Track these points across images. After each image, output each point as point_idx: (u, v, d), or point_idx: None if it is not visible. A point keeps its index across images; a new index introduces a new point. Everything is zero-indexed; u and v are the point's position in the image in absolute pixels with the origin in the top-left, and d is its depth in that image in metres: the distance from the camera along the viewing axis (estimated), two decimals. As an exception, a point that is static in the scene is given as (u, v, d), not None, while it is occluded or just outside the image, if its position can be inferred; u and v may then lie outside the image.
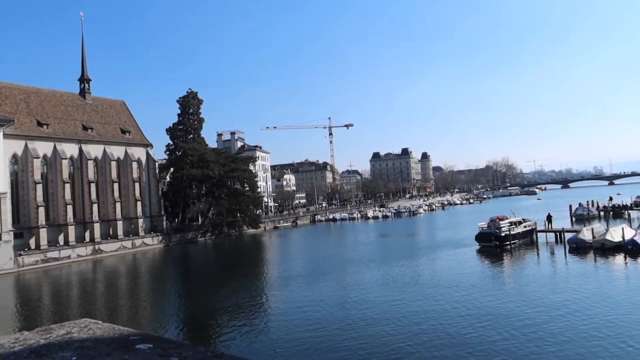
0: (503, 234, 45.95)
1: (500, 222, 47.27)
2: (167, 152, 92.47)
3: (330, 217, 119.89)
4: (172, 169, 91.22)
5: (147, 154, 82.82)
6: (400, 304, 27.61)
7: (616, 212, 69.53)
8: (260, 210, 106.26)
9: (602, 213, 69.36)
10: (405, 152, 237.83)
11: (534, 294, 28.07)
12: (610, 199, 77.27)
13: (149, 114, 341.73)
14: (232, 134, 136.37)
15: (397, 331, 22.01)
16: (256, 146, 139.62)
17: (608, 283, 30.30)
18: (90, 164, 71.95)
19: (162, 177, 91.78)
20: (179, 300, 36.31)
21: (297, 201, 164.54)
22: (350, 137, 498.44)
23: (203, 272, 53.03)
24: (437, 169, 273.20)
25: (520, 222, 48.91)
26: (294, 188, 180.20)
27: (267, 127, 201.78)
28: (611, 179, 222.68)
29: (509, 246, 45.83)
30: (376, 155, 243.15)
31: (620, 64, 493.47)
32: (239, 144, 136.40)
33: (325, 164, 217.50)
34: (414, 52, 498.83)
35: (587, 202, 73.89)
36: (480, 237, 47.59)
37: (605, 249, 38.54)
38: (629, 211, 67.30)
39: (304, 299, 31.01)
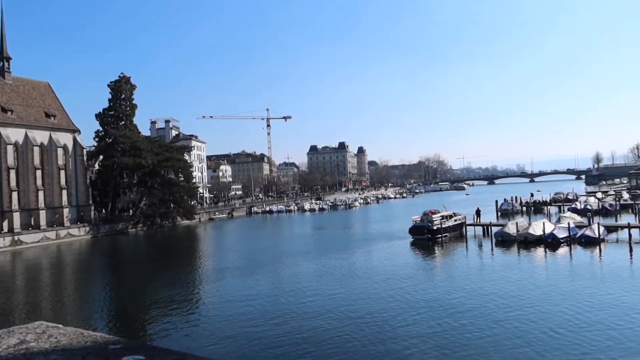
0: (435, 227, 47.66)
1: (433, 216, 48.99)
2: (97, 139, 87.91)
3: (267, 209, 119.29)
4: (101, 157, 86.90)
5: (75, 140, 78.39)
6: (336, 295, 27.91)
7: (537, 208, 74.13)
8: (195, 202, 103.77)
9: (524, 208, 73.66)
10: (342, 146, 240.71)
11: (464, 283, 29.41)
12: (532, 195, 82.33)
13: (77, 99, 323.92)
14: (167, 122, 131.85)
15: (334, 322, 22.19)
16: (192, 135, 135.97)
17: (530, 273, 32.34)
18: (10, 148, 67.05)
19: (91, 165, 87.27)
20: (108, 293, 34.69)
21: (233, 193, 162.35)
22: (289, 130, 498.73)
23: (134, 264, 51.08)
24: (372, 163, 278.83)
25: (451, 216, 50.95)
26: (230, 179, 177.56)
27: (204, 117, 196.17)
28: (532, 176, 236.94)
29: (440, 239, 47.65)
30: (313, 149, 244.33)
31: (541, 70, 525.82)
32: (174, 132, 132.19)
33: (262, 156, 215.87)
34: (352, 49, 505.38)
35: (511, 198, 78.28)
36: (414, 230, 49.10)
37: (528, 242, 40.98)
38: (548, 207, 72.10)
39: (239, 292, 30.62)
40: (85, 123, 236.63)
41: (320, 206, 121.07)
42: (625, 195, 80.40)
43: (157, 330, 23.63)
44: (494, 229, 45.73)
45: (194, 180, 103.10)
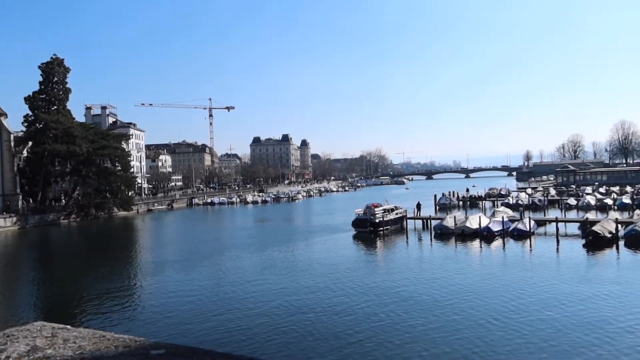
0: (377, 220, 48.58)
1: (375, 209, 49.90)
2: (26, 124, 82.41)
3: (209, 200, 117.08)
4: (30, 143, 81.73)
5: (0, 124, 73.32)
6: (280, 288, 27.80)
7: (472, 202, 77.33)
8: (133, 192, 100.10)
9: (461, 202, 76.66)
10: (286, 138, 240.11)
11: (405, 274, 30.28)
12: (467, 190, 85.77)
13: (5, 81, 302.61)
14: (103, 108, 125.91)
15: (278, 316, 22.03)
16: (130, 123, 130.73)
17: (467, 264, 33.83)
18: None
19: (19, 152, 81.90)
20: (38, 287, 32.79)
21: (173, 183, 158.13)
22: (231, 120, 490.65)
23: (67, 257, 48.60)
24: (315, 156, 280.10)
25: (392, 210, 52.11)
26: (170, 170, 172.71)
27: (143, 104, 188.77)
28: (467, 172, 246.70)
29: (382, 232, 48.66)
30: (257, 140, 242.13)
31: (477, 72, 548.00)
32: (111, 119, 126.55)
33: (204, 146, 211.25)
34: (298, 42, 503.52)
35: (449, 192, 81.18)
36: (357, 222, 49.82)
37: (465, 235, 42.67)
38: (483, 201, 75.45)
39: (180, 286, 29.74)
40: (13, 107, 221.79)
41: (263, 199, 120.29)
42: (552, 191, 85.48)
43: (88, 322, 22.63)
44: (434, 222, 47.22)
45: (132, 170, 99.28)
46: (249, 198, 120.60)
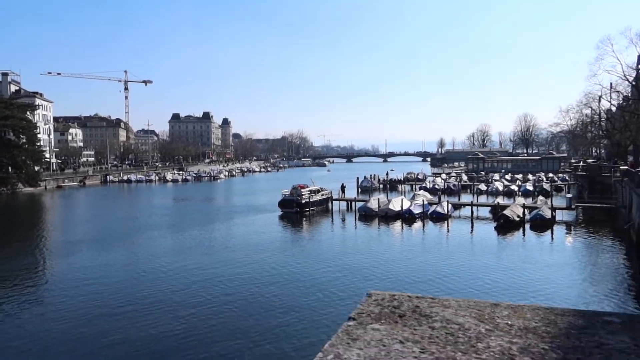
0: (304, 201, 49.27)
1: (302, 190, 50.49)
2: None
3: (125, 178, 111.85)
4: None
5: None
6: (204, 269, 27.30)
7: (392, 186, 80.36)
8: (40, 167, 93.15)
9: (381, 186, 79.50)
10: (207, 116, 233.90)
11: (332, 254, 31.20)
12: (387, 174, 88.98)
13: None
14: (4, 75, 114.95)
15: (201, 298, 21.47)
16: (36, 93, 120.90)
17: (390, 244, 35.63)
18: None
19: None
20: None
21: (84, 159, 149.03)
22: (149, 95, 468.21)
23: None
24: (236, 136, 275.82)
25: (318, 191, 53.01)
26: (82, 144, 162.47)
27: (50, 73, 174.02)
28: (385, 156, 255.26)
29: (308, 212, 49.46)
30: (176, 117, 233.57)
31: (393, 58, 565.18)
32: (14, 87, 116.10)
33: (118, 121, 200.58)
34: (217, 14, 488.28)
35: (370, 175, 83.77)
36: (283, 203, 50.18)
37: (388, 217, 44.52)
38: (403, 185, 78.88)
39: (93, 268, 28.07)
40: None
41: (184, 177, 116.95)
42: (464, 177, 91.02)
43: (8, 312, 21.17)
44: (358, 204, 48.69)
45: (40, 143, 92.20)
46: (169, 176, 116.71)
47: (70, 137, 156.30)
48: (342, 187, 58.62)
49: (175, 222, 48.57)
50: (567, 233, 38.78)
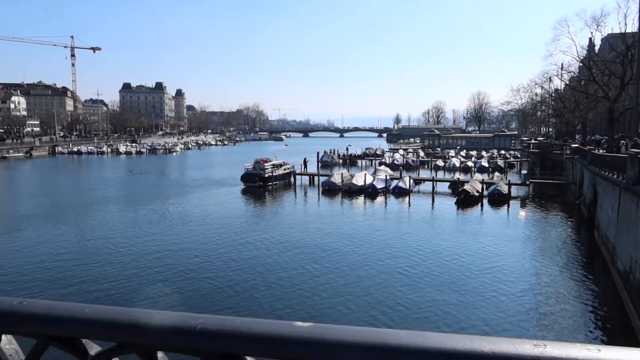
0: (267, 175, 49.03)
1: (265, 164, 50.16)
2: None
3: (75, 149, 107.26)
4: None
5: None
6: (164, 243, 26.89)
7: (352, 161, 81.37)
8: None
9: (341, 161, 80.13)
10: (160, 86, 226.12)
11: (295, 228, 31.41)
12: (347, 149, 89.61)
13: None
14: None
15: (156, 276, 20.85)
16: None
17: (353, 218, 36.25)
18: None
19: None
20: None
21: (29, 129, 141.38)
22: (97, 63, 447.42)
23: None
24: (190, 108, 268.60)
25: (280, 165, 52.83)
26: (25, 113, 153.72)
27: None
28: (342, 132, 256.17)
29: (270, 186, 49.32)
30: (127, 86, 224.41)
31: (348, 32, 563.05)
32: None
33: (65, 89, 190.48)
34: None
35: (330, 150, 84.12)
36: (246, 177, 49.76)
37: (351, 192, 45.04)
38: (362, 160, 79.83)
39: (45, 243, 26.91)
40: None
41: (138, 149, 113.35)
42: (421, 153, 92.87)
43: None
44: (321, 179, 48.90)
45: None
46: (122, 148, 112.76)
47: (12, 106, 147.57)
48: (305, 162, 58.64)
49: (133, 195, 47.19)
50: (522, 207, 40.59)
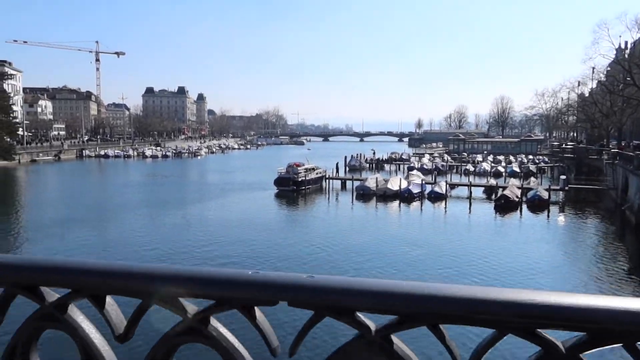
0: (300, 179, 49.07)
1: (298, 168, 50.24)
2: None
3: (102, 153, 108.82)
4: None
5: None
6: (204, 246, 26.90)
7: (378, 165, 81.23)
8: (13, 140, 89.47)
9: (368, 165, 79.99)
10: (182, 91, 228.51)
11: (333, 232, 31.10)
12: (374, 153, 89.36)
13: None
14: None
15: None
16: (4, 61, 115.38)
17: (386, 222, 36.24)
18: None
19: None
20: None
21: (55, 132, 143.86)
22: (121, 68, 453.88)
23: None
24: (211, 112, 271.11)
25: (313, 169, 52.88)
26: (51, 117, 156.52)
27: (16, 41, 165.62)
28: (362, 136, 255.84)
29: (304, 190, 49.35)
30: (150, 91, 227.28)
31: (363, 43, 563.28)
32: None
33: (89, 94, 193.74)
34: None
35: (357, 155, 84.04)
36: (279, 181, 49.85)
37: (386, 196, 44.81)
38: (390, 165, 79.68)
39: (86, 246, 26.91)
40: None
41: (164, 153, 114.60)
42: (446, 158, 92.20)
43: None
44: (355, 183, 48.77)
45: (14, 115, 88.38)
46: (148, 152, 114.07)
47: (39, 110, 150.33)
48: (337, 166, 58.67)
49: (168, 200, 47.19)
50: (562, 213, 39.93)
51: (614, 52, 50.30)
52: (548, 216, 38.22)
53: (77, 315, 1.15)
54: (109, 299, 1.13)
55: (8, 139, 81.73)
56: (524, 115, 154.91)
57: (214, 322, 1.08)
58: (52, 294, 1.14)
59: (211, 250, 25.69)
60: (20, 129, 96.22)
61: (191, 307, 1.08)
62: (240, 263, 22.90)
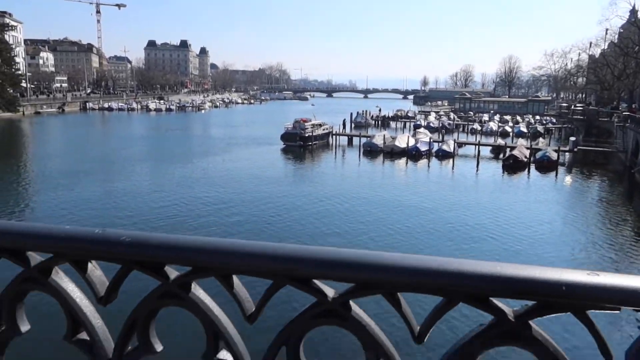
0: (307, 135, 48.88)
1: (305, 124, 49.94)
2: None
3: (106, 105, 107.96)
4: None
5: None
6: (214, 198, 26.99)
7: (384, 122, 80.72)
8: (17, 92, 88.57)
9: (374, 122, 79.47)
10: (184, 44, 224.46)
11: (340, 188, 31.07)
12: (380, 110, 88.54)
13: None
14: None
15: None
16: (4, 12, 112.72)
17: (393, 179, 36.60)
18: None
19: None
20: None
21: (58, 85, 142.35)
22: (122, 20, 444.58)
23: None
24: (214, 66, 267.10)
25: (320, 125, 52.55)
26: (53, 69, 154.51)
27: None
28: (366, 92, 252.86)
29: (310, 146, 49.26)
30: (152, 44, 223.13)
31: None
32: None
33: (90, 46, 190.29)
34: None
35: (363, 111, 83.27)
36: (286, 136, 49.68)
37: (393, 153, 44.73)
38: (396, 122, 79.17)
39: (94, 199, 26.87)
40: None
41: (167, 106, 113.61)
42: (452, 116, 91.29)
43: None
44: (363, 140, 48.52)
45: (17, 66, 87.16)
46: (151, 105, 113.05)
47: (41, 62, 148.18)
48: (344, 123, 58.29)
49: (175, 153, 47.15)
50: (569, 174, 39.95)
51: (628, 13, 49.04)
52: (556, 177, 38.23)
53: (61, 278, 1.16)
54: (91, 264, 1.15)
55: (11, 91, 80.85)
56: (532, 76, 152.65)
57: (194, 287, 1.09)
58: (36, 258, 1.16)
59: (217, 207, 25.36)
60: (24, 81, 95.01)
61: (174, 273, 1.10)
62: (246, 220, 22.65)
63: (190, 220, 22.49)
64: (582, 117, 55.93)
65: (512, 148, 43.24)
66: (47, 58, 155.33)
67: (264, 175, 34.94)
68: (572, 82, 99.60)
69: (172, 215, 23.24)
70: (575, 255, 19.32)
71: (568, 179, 38.38)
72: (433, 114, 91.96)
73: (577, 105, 71.66)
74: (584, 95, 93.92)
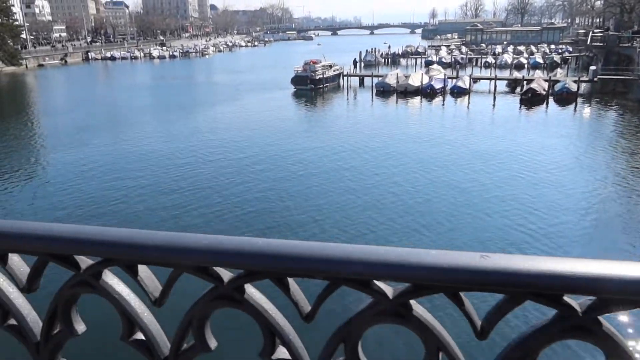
0: (317, 77, 47.73)
1: (315, 66, 48.61)
2: None
3: (108, 55, 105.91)
4: None
5: None
6: (232, 147, 26.84)
7: (394, 60, 78.49)
8: (18, 44, 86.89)
9: (384, 60, 77.28)
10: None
11: (356, 133, 30.60)
12: (389, 47, 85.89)
13: None
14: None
15: (222, 178, 21.24)
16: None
17: (408, 120, 35.89)
18: None
19: None
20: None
21: (57, 34, 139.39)
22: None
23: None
24: (213, 7, 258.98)
25: (330, 66, 51.18)
26: (50, 18, 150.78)
27: None
28: (372, 29, 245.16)
29: (322, 89, 48.25)
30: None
31: None
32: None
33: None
34: None
35: (372, 49, 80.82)
36: (296, 80, 48.56)
37: (407, 92, 43.72)
38: (406, 59, 77.01)
39: (110, 154, 26.47)
40: None
41: (171, 53, 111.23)
42: (463, 50, 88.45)
43: None
44: (375, 80, 47.31)
45: (15, 17, 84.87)
46: (155, 52, 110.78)
47: (37, 10, 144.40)
48: (355, 62, 56.74)
49: (185, 101, 46.41)
50: (589, 106, 38.92)
51: None
52: (575, 109, 37.35)
53: (112, 280, 1.18)
54: (142, 266, 1.15)
55: (12, 43, 79.21)
56: (545, 1, 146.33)
57: (248, 288, 1.09)
58: (86, 261, 1.17)
59: (234, 160, 24.64)
60: (23, 32, 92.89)
61: (227, 275, 1.10)
62: (261, 178, 21.43)
63: (211, 180, 21.30)
64: (601, 44, 53.81)
65: (530, 81, 41.98)
66: (42, 6, 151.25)
67: (275, 123, 34.39)
68: (589, 6, 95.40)
69: (190, 176, 21.85)
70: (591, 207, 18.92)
71: (587, 110, 37.48)
72: (444, 49, 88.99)
73: (596, 30, 68.89)
74: (601, 20, 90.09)
